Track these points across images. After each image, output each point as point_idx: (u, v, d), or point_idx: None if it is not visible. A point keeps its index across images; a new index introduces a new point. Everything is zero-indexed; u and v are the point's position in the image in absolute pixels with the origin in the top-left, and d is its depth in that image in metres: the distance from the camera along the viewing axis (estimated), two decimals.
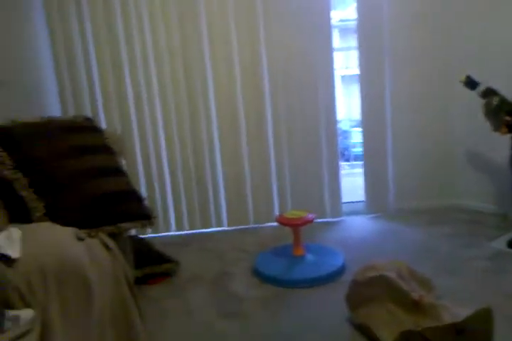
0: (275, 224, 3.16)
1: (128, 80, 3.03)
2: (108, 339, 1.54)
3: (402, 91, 3.26)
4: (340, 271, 2.40)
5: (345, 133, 8.47)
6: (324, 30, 3.09)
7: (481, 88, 2.66)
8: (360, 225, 3.21)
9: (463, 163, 3.31)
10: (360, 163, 3.88)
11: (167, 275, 2.55)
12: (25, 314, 1.27)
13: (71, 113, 2.99)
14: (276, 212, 3.25)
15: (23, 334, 1.24)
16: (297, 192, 3.24)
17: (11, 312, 1.26)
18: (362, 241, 2.88)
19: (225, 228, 3.25)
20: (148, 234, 3.12)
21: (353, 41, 3.49)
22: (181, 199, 3.22)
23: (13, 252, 1.33)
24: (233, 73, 3.07)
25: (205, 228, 3.25)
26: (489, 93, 2.63)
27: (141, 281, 2.40)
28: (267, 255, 2.62)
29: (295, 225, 2.45)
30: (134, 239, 2.42)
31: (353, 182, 4.09)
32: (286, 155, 3.20)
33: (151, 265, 2.49)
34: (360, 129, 4.59)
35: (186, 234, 3.21)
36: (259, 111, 3.14)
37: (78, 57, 2.97)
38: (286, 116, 3.16)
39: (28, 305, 1.31)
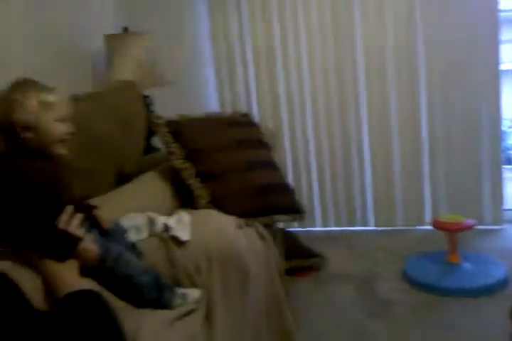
0: (425, 227, 3.01)
1: (281, 81, 3.11)
2: (262, 327, 1.59)
3: None
4: (502, 283, 2.19)
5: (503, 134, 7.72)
6: (490, 20, 2.82)
7: None
8: None
9: None
10: None
11: (312, 269, 2.56)
12: (193, 293, 1.37)
13: (228, 110, 3.16)
14: (428, 215, 3.07)
15: (190, 312, 1.33)
16: (452, 196, 3.02)
17: (180, 290, 1.36)
18: None
19: (371, 228, 3.17)
20: (294, 228, 3.16)
21: None
22: (327, 195, 3.21)
23: (184, 235, 1.44)
24: (386, 68, 2.96)
25: (351, 226, 3.20)
26: None
27: (287, 273, 2.44)
28: (418, 259, 2.49)
29: (453, 230, 2.29)
30: (283, 232, 2.48)
31: None
32: (441, 154, 3.00)
33: (298, 258, 2.52)
34: None
35: (331, 231, 3.19)
36: (413, 106, 2.98)
37: (236, 59, 3.13)
38: (444, 112, 2.96)
39: (194, 285, 1.41)
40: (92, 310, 0.98)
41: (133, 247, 1.39)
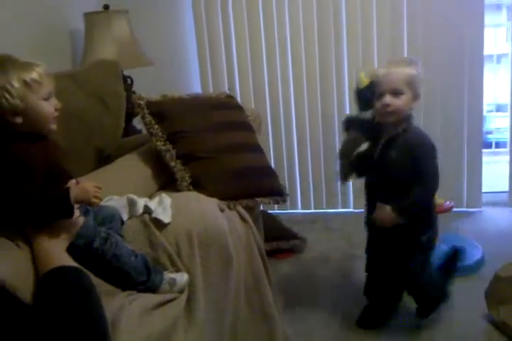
0: None
1: (264, 65, 3.08)
2: (242, 307, 1.60)
3: None
4: (478, 265, 2.25)
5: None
6: (475, 4, 2.82)
7: None
8: (501, 217, 2.95)
9: None
10: (504, 150, 3.59)
11: (293, 251, 2.59)
12: (181, 278, 1.36)
13: (210, 90, 3.13)
14: None
15: (174, 299, 1.33)
16: None
17: (169, 275, 1.36)
18: (503, 235, 2.65)
19: (351, 210, 3.20)
20: (275, 210, 3.17)
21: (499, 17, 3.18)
22: (308, 178, 3.23)
23: (165, 217, 1.44)
24: (370, 50, 2.95)
25: (331, 208, 3.23)
26: None
27: (267, 255, 2.45)
28: None
29: None
30: (264, 214, 2.49)
31: (491, 170, 3.76)
32: None
33: (279, 240, 2.54)
34: (501, 114, 4.25)
35: (311, 213, 3.22)
36: None
37: (219, 41, 3.08)
38: (426, 96, 2.97)
39: (175, 268, 1.41)
40: (71, 291, 0.97)
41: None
